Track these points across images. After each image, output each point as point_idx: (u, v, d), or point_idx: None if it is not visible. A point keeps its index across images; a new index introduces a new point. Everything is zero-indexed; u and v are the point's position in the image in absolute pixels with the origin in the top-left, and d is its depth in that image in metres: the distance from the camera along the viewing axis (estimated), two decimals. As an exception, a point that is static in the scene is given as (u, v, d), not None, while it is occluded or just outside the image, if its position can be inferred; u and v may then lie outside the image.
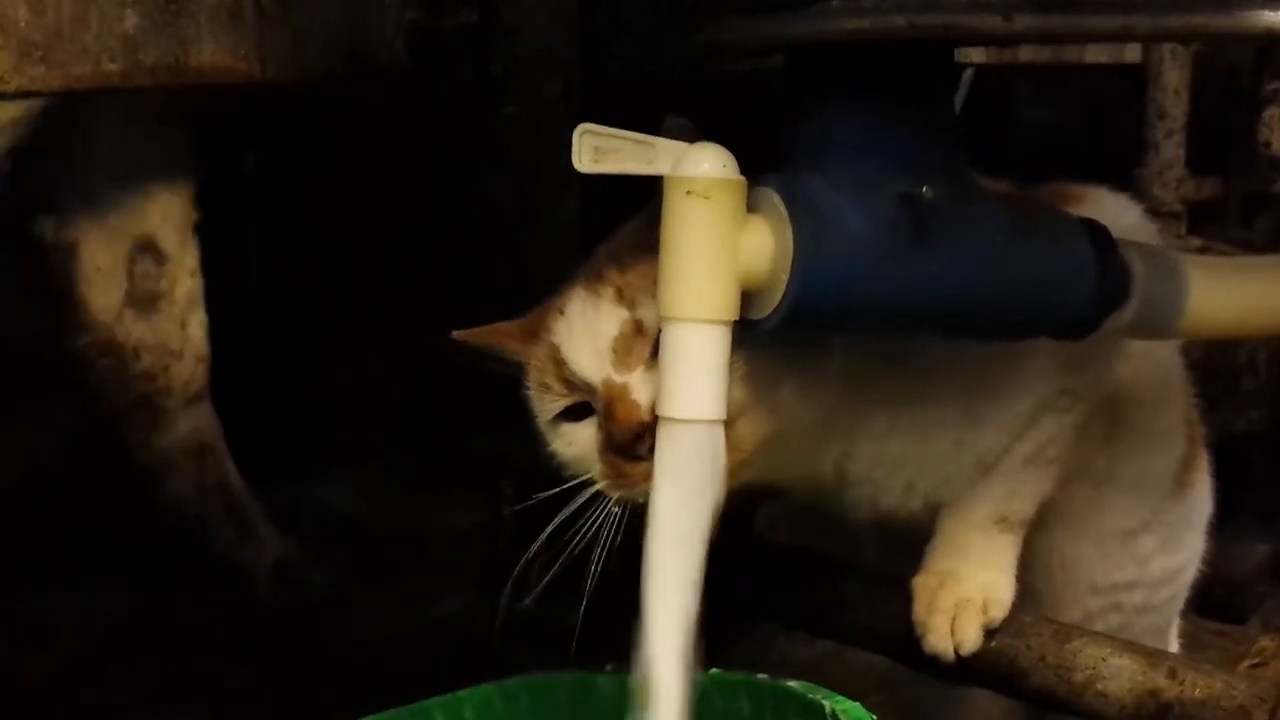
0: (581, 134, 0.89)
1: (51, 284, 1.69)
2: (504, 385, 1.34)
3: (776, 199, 0.87)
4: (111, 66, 0.95)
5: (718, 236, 0.85)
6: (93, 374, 1.74)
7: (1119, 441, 1.17)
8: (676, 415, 0.87)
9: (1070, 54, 2.18)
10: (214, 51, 1.01)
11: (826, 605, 1.19)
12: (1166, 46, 2.35)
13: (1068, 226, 0.95)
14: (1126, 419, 1.17)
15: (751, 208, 0.88)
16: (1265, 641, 1.76)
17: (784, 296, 0.86)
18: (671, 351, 0.87)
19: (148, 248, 1.72)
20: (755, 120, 0.93)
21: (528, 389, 1.03)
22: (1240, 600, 2.03)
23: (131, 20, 0.95)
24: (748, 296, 0.88)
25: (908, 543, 1.15)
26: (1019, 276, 0.91)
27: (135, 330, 1.74)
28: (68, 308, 1.70)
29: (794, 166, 0.90)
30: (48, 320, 1.73)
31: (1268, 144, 2.65)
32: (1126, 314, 0.97)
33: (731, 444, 0.92)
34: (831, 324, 0.90)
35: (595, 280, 0.99)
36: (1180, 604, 1.33)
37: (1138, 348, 1.14)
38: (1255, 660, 1.70)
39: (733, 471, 0.93)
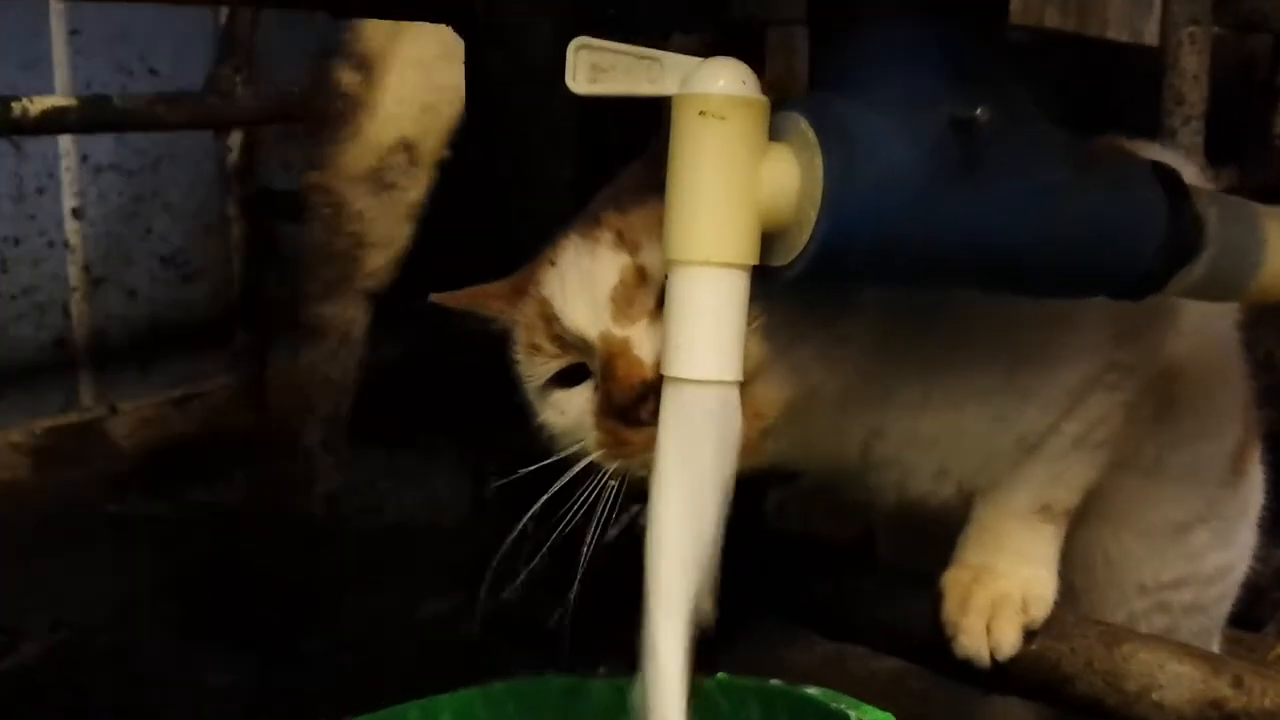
0: (577, 49, 0.78)
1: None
2: (488, 364, 1.23)
3: (804, 124, 0.75)
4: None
5: (735, 166, 0.73)
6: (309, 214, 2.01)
7: (1172, 425, 1.05)
8: (685, 374, 0.75)
9: (1093, 25, 2.07)
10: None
11: (842, 602, 1.06)
12: (1185, 29, 2.24)
13: (1135, 166, 0.83)
14: (1181, 400, 1.05)
15: (774, 135, 0.76)
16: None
17: (811, 238, 0.74)
18: (680, 300, 0.75)
19: (408, 148, 1.97)
20: (760, 70, 0.81)
21: (515, 355, 0.91)
22: (1258, 606, 1.93)
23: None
24: (768, 240, 0.76)
25: (932, 534, 1.03)
26: (1081, 220, 0.79)
27: (363, 201, 1.98)
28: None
29: (824, 87, 0.78)
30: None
31: (1280, 135, 2.55)
32: (1198, 269, 0.85)
33: (753, 410, 0.80)
34: (866, 271, 0.78)
35: (591, 225, 0.87)
36: (1229, 605, 1.21)
37: (1194, 321, 1.02)
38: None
39: (757, 444, 0.81)
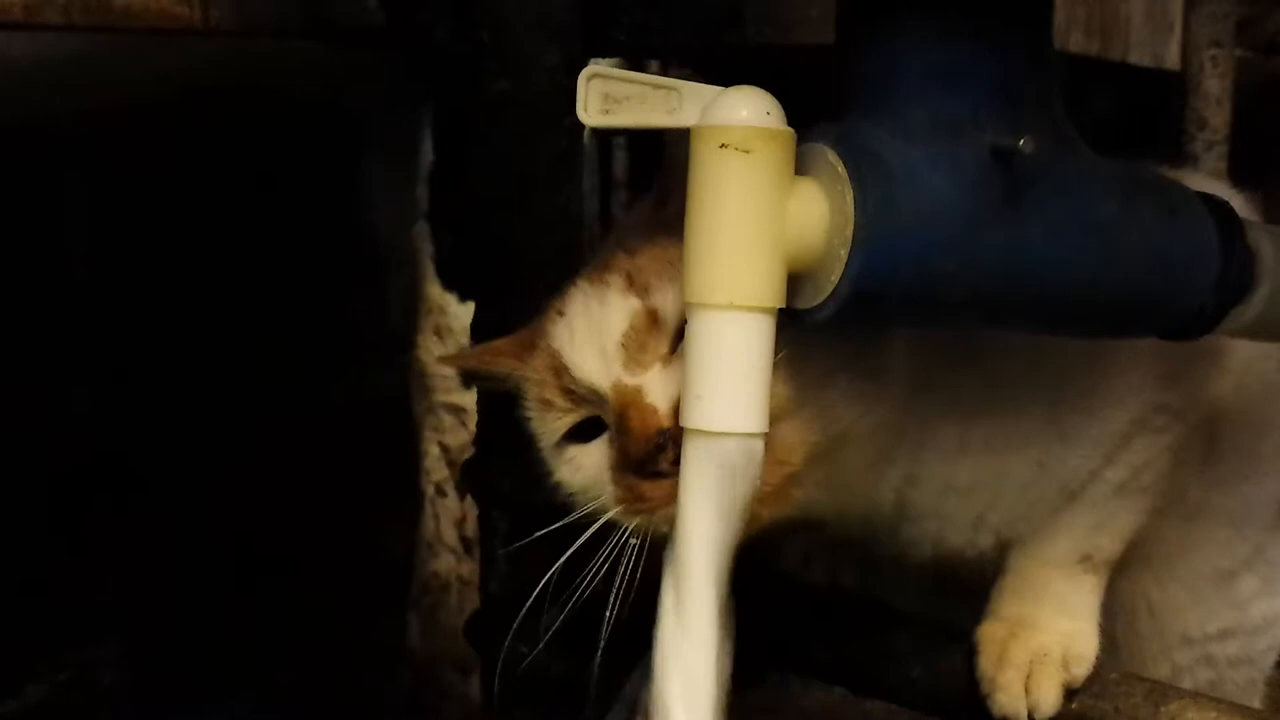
0: (589, 78, 0.72)
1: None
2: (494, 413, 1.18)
3: (832, 155, 0.70)
4: (13, -3, 0.76)
5: (760, 202, 0.68)
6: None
7: (1217, 468, 1.00)
8: (706, 426, 0.69)
9: (1115, 49, 2.03)
10: (145, -14, 0.83)
11: (873, 658, 1.01)
12: (1207, 52, 2.20)
13: (1185, 198, 0.77)
14: (1224, 441, 1.00)
15: (799, 169, 0.70)
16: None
17: (842, 278, 0.69)
18: (700, 347, 0.69)
19: None
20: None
21: (527, 411, 0.87)
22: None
23: (40, -60, 0.77)
24: (793, 280, 0.70)
25: (963, 587, 0.98)
26: (1131, 256, 0.74)
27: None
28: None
29: (852, 114, 0.73)
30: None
31: (1303, 158, 2.49)
32: (1252, 308, 0.79)
33: (777, 455, 0.75)
34: (900, 314, 0.73)
35: (600, 270, 0.82)
36: (1275, 656, 1.15)
37: (1239, 360, 0.98)
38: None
39: (783, 493, 0.76)
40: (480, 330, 1.16)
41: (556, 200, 1.14)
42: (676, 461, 0.73)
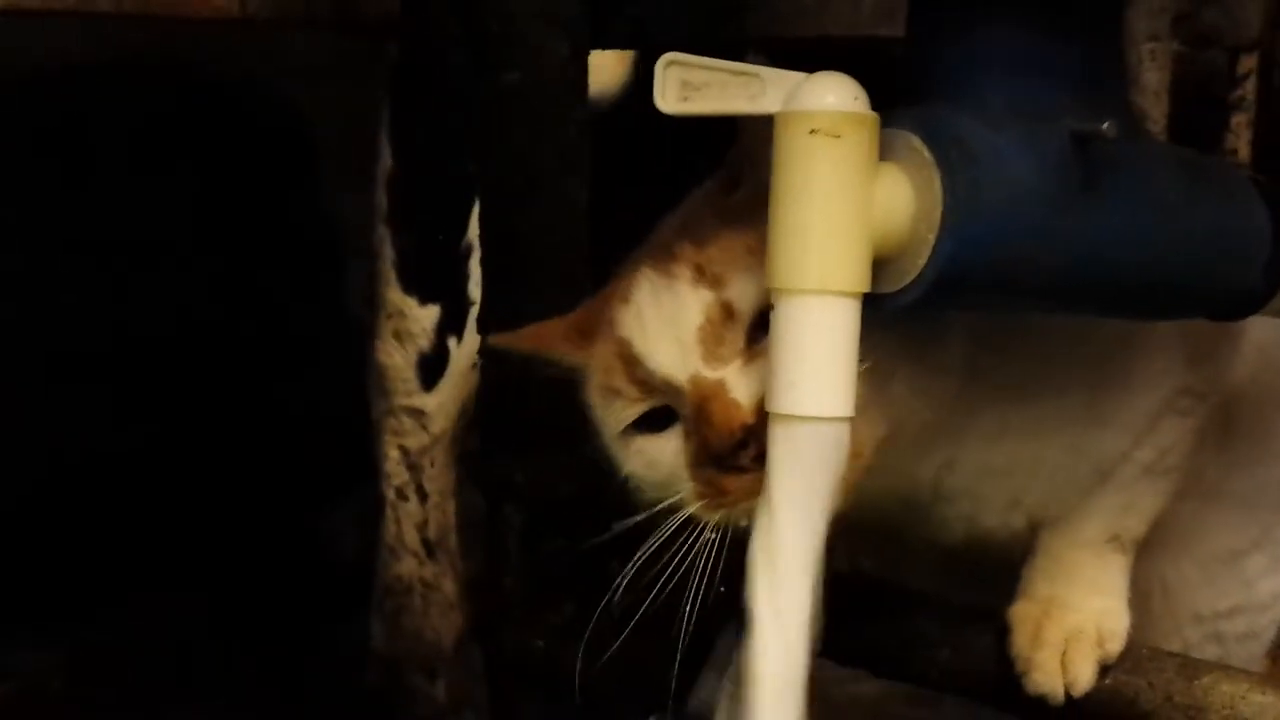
0: (666, 65, 0.72)
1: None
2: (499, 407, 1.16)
3: (916, 141, 0.70)
4: (64, -14, 0.75)
5: (848, 187, 0.68)
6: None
7: (1231, 451, 1.03)
8: (798, 411, 0.69)
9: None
10: (186, -23, 0.81)
11: (902, 642, 1.02)
12: (1146, 45, 2.25)
13: (1240, 182, 0.80)
14: (1240, 426, 1.03)
15: (882, 154, 0.71)
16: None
17: (930, 262, 0.69)
18: (789, 333, 0.70)
19: None
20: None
21: (587, 398, 0.85)
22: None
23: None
24: (877, 264, 0.71)
25: (987, 569, 0.99)
26: (1195, 238, 0.76)
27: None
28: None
29: (932, 99, 0.73)
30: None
31: (1234, 151, 2.56)
32: (1297, 287, 0.82)
33: (852, 449, 0.75)
34: (981, 297, 0.74)
35: (666, 259, 0.81)
36: (1275, 630, 1.18)
37: (1254, 346, 1.00)
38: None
39: (857, 487, 0.76)
40: (490, 320, 1.15)
41: (565, 191, 1.14)
42: (758, 457, 0.73)
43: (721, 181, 0.84)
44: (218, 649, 1.86)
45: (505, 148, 1.14)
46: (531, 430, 1.11)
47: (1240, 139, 2.55)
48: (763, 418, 0.73)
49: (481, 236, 1.14)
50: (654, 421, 0.82)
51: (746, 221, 0.77)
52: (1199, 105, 2.44)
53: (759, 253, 0.73)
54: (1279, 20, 2.46)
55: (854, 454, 0.76)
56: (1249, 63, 2.41)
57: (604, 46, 1.19)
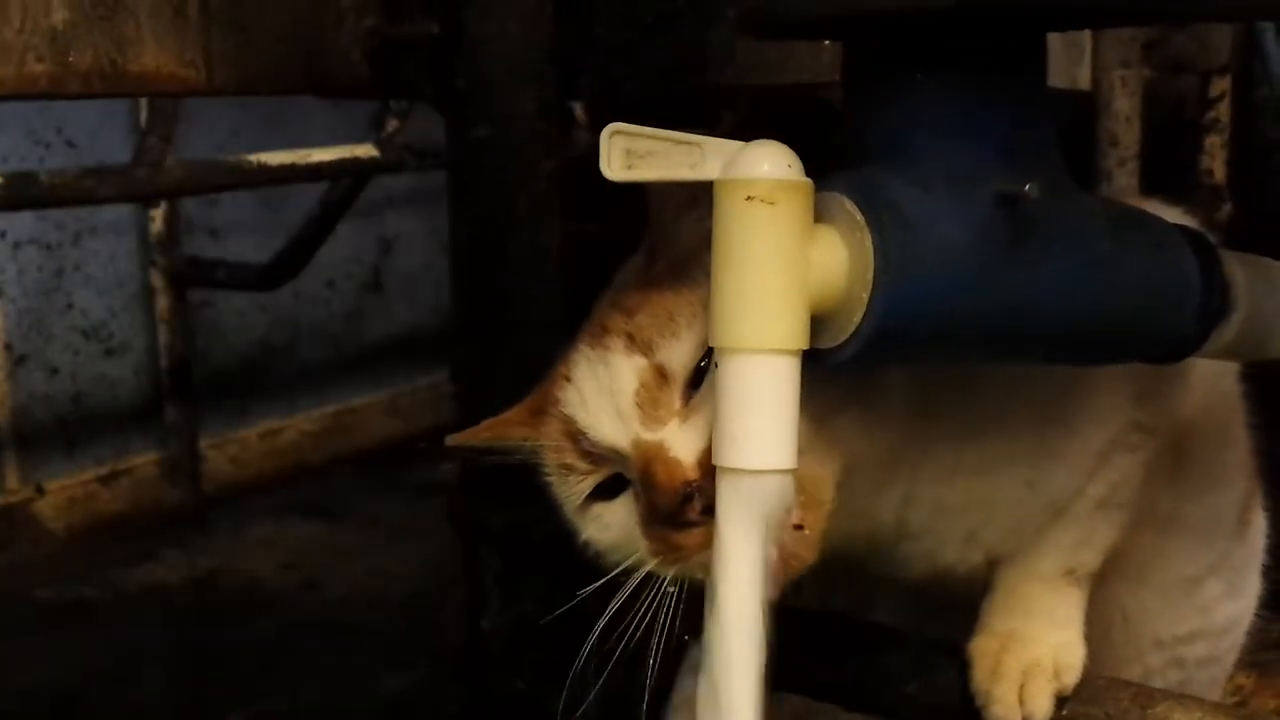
0: (611, 135, 0.75)
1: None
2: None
3: (849, 204, 0.74)
4: (38, 68, 0.78)
5: (785, 250, 0.72)
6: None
7: (1183, 481, 1.06)
8: (742, 465, 0.72)
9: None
10: (156, 54, 0.84)
11: (869, 676, 1.05)
12: (1116, 72, 2.28)
13: (1167, 232, 0.82)
14: (1192, 456, 1.06)
15: (817, 216, 0.74)
16: (1242, 679, 1.67)
17: (864, 320, 0.73)
18: (732, 389, 0.73)
19: None
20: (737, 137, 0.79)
21: (546, 476, 0.89)
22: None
23: (60, 14, 0.78)
24: (814, 321, 0.74)
25: (950, 603, 1.02)
26: (1126, 289, 0.79)
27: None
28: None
29: (864, 163, 0.77)
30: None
31: (1210, 172, 2.58)
32: (1229, 330, 0.85)
33: (811, 494, 0.78)
34: (916, 352, 0.77)
35: (600, 333, 0.85)
36: (1236, 654, 1.21)
37: (1202, 378, 1.03)
38: (1235, 699, 1.60)
39: (820, 531, 0.79)
40: (463, 371, 1.18)
41: (537, 242, 1.17)
42: (705, 510, 0.76)
43: (645, 254, 0.87)
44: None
45: (475, 201, 1.17)
46: (509, 476, 1.13)
47: (1215, 159, 2.58)
48: (706, 472, 0.76)
49: (453, 289, 1.17)
50: (608, 490, 0.85)
51: (669, 289, 0.81)
52: (1172, 129, 2.47)
53: (683, 317, 0.79)
54: (1249, 43, 2.49)
55: (819, 501, 0.80)
56: (1221, 85, 2.44)
57: (571, 99, 1.22)
